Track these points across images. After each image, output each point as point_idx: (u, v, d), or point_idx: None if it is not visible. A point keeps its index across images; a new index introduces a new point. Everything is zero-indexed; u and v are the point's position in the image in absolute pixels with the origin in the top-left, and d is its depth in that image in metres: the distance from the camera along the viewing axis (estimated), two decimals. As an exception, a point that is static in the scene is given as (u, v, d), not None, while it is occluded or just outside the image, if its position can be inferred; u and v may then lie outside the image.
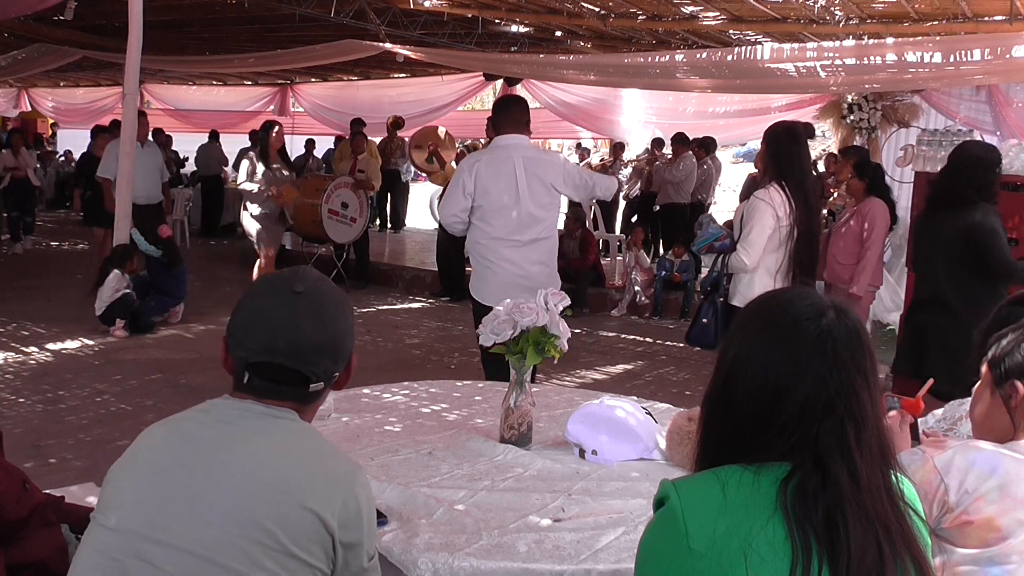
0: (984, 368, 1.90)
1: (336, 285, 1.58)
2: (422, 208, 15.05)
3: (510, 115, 4.41)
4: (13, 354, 6.44)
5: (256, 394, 1.47)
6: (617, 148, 13.52)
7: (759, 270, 4.10)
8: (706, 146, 11.35)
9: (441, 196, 6.71)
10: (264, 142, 8.10)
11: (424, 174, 10.48)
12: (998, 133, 9.97)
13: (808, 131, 4.23)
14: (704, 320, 4.49)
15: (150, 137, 8.91)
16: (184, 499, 1.37)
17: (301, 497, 1.38)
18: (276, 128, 8.16)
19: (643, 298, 9.17)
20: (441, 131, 10.94)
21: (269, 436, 1.43)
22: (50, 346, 6.72)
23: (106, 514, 1.39)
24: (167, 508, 1.37)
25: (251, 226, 8.02)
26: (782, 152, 4.08)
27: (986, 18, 8.09)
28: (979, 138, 8.81)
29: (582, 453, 2.38)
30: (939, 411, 2.55)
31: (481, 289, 4.31)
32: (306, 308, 1.46)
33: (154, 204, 8.43)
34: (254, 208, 7.92)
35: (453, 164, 9.61)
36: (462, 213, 4.27)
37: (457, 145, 12.10)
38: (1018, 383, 1.81)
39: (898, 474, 1.30)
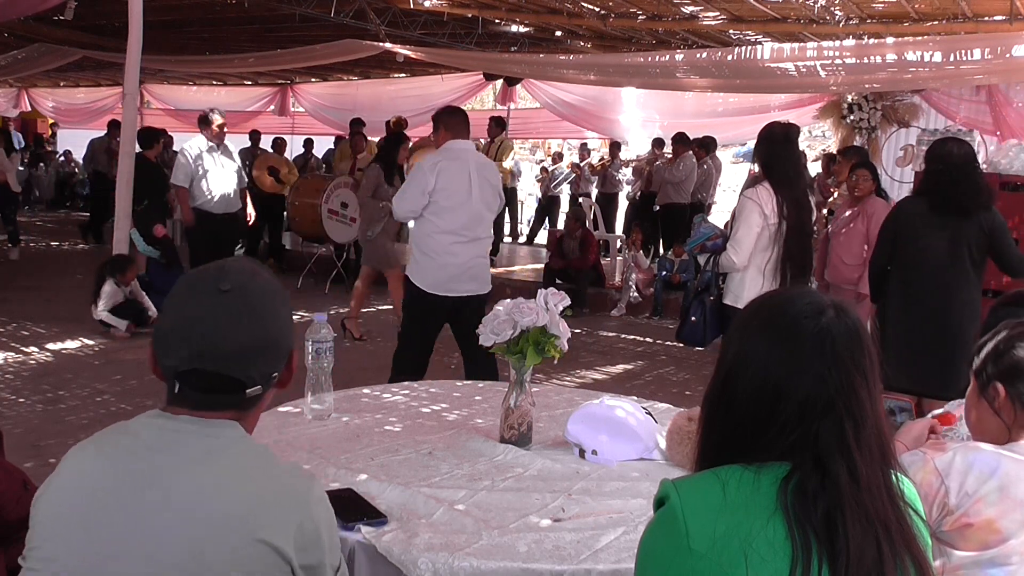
0: (971, 374, 1.91)
1: (270, 277, 1.42)
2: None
3: (461, 122, 4.77)
4: (13, 354, 6.44)
5: (190, 406, 1.34)
6: (614, 147, 13.51)
7: (750, 269, 4.15)
8: (706, 146, 11.35)
9: None
10: (392, 156, 7.39)
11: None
12: (998, 133, 9.97)
13: (790, 132, 4.28)
14: (693, 318, 4.56)
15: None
16: (123, 547, 1.25)
17: (251, 528, 1.26)
18: (406, 143, 7.62)
19: (637, 296, 9.17)
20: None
21: (209, 462, 1.30)
22: (50, 346, 6.72)
23: (37, 569, 1.28)
24: (105, 561, 1.25)
25: (376, 247, 7.32)
26: (771, 152, 4.16)
27: (986, 18, 8.09)
28: (978, 139, 8.82)
29: (582, 453, 2.38)
30: (939, 411, 2.55)
31: (421, 276, 4.74)
32: (234, 307, 1.32)
33: (231, 213, 7.57)
34: (375, 228, 7.17)
35: None
36: (419, 208, 4.62)
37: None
38: (999, 385, 1.82)
39: (898, 474, 1.30)
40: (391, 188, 6.87)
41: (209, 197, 7.34)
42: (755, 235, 4.08)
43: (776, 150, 4.16)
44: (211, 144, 7.48)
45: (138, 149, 7.44)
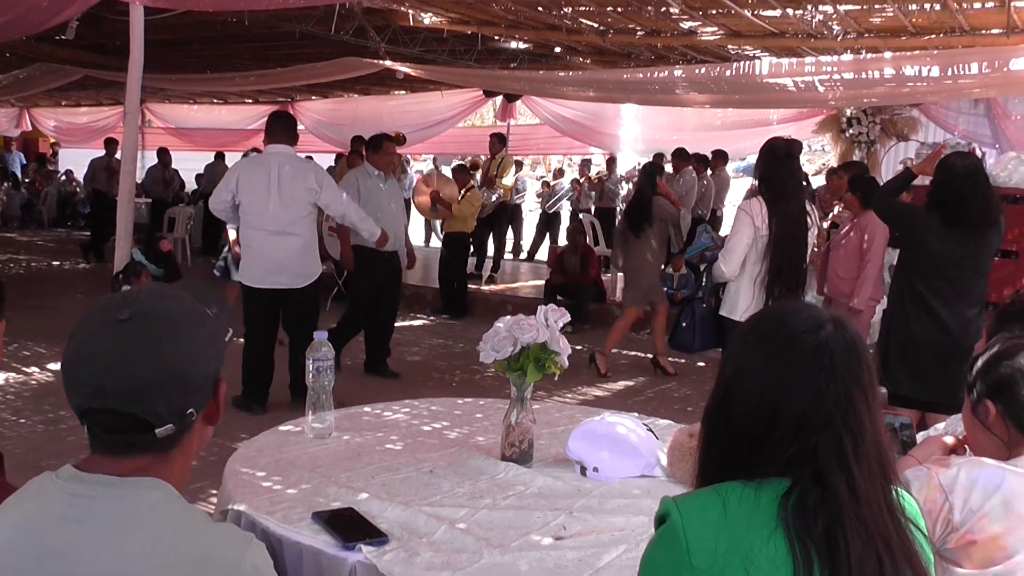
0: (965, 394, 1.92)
1: (184, 301, 1.27)
2: (421, 225, 15.08)
3: (278, 128, 5.52)
4: (14, 374, 6.43)
5: (105, 451, 1.22)
6: (611, 162, 13.55)
7: (743, 280, 4.22)
8: (705, 161, 11.38)
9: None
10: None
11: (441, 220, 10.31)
12: (997, 146, 10.00)
13: (792, 148, 4.33)
14: (684, 324, 4.64)
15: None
16: None
17: None
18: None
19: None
20: (428, 170, 10.82)
21: (124, 534, 1.16)
22: (51, 366, 6.72)
23: None
24: None
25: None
26: (771, 167, 4.24)
27: (983, 31, 8.13)
28: (978, 152, 8.84)
29: (583, 470, 2.37)
30: (940, 425, 2.55)
31: (244, 271, 5.45)
32: (134, 337, 1.18)
33: (395, 252, 6.67)
34: None
35: (459, 196, 9.64)
36: (224, 204, 5.46)
37: (454, 161, 12.11)
38: (989, 403, 1.83)
39: (899, 490, 1.29)
40: None
41: (390, 230, 6.39)
42: (745, 246, 4.17)
43: (776, 165, 4.21)
44: (379, 173, 6.65)
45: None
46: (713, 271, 4.37)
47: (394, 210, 6.68)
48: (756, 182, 4.53)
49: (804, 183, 4.85)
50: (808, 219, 4.37)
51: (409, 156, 15.70)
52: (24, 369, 6.60)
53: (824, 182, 10.11)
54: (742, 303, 4.22)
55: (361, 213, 5.85)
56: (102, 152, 13.40)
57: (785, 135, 5.04)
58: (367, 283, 6.54)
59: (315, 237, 5.68)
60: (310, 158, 14.50)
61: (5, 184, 18.65)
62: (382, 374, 6.67)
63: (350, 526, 1.90)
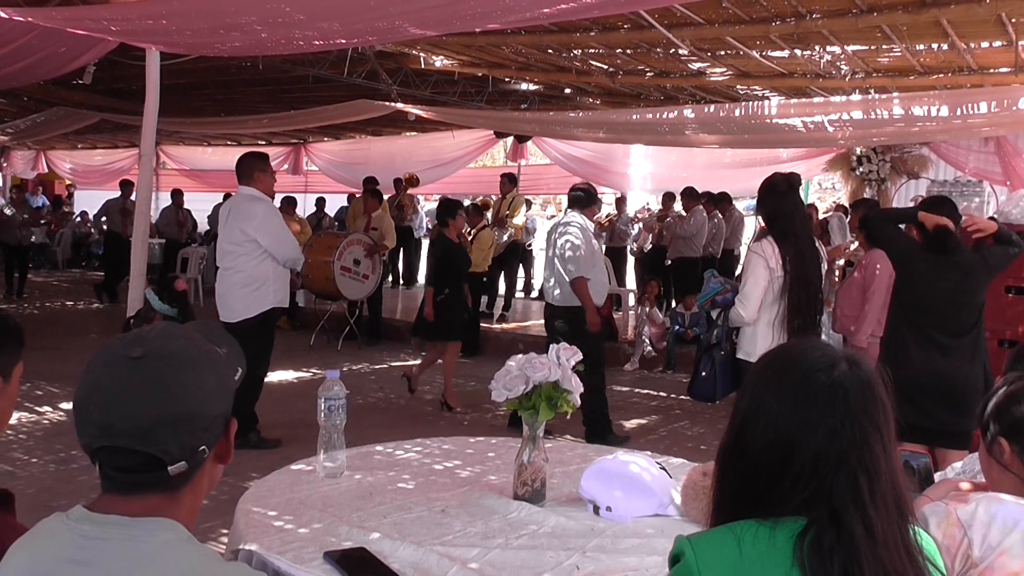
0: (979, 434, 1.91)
1: (195, 341, 1.29)
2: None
3: (243, 170, 5.73)
4: (27, 414, 6.45)
5: (116, 490, 1.22)
6: (620, 202, 13.60)
7: (760, 323, 4.14)
8: (716, 200, 11.41)
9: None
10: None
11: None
12: (1008, 183, 9.99)
13: (792, 181, 4.30)
14: (703, 373, 4.55)
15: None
16: None
17: None
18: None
19: (651, 350, 9.13)
20: None
21: (139, 574, 1.16)
22: (63, 405, 6.73)
23: None
24: None
25: None
26: (775, 204, 4.19)
27: (991, 70, 8.17)
28: (988, 189, 8.84)
29: (596, 509, 2.35)
30: (958, 464, 2.52)
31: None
32: (145, 375, 1.19)
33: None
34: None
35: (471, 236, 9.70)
36: None
37: (465, 201, 12.14)
38: (1003, 441, 1.82)
39: (917, 528, 1.28)
40: None
41: (599, 290, 6.20)
42: (762, 288, 4.10)
43: (779, 201, 4.18)
44: (592, 223, 6.43)
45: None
46: (731, 316, 4.26)
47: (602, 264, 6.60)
48: (761, 222, 4.49)
49: (809, 215, 4.81)
50: (818, 251, 4.37)
51: (420, 196, 15.79)
52: (36, 409, 6.61)
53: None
54: (760, 345, 4.14)
55: (291, 254, 5.85)
56: (117, 194, 13.55)
57: (797, 172, 5.03)
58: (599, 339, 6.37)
59: (261, 276, 5.64)
60: (322, 199, 14.73)
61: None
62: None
63: (362, 566, 1.89)
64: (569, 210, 6.29)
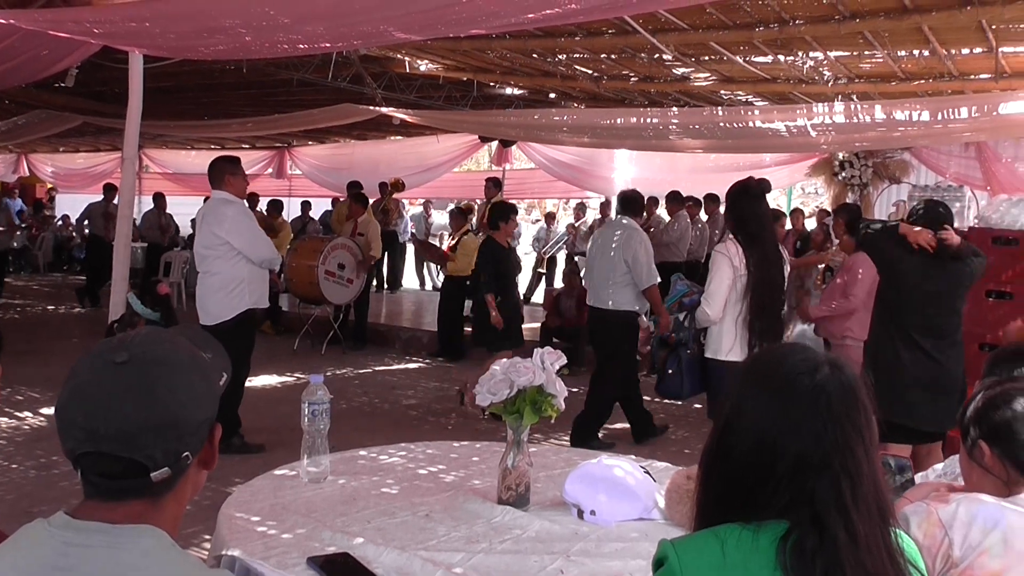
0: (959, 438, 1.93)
1: (180, 345, 1.27)
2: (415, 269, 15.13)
3: (212, 174, 5.79)
4: (7, 419, 6.39)
5: (99, 496, 1.20)
6: (605, 207, 13.63)
7: (726, 321, 4.35)
8: (705, 200, 11.46)
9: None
10: None
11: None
12: (988, 188, 10.08)
13: (764, 186, 4.47)
14: (670, 371, 4.70)
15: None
16: None
17: None
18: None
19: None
20: None
21: None
22: (44, 411, 6.68)
23: None
24: None
25: None
26: (746, 207, 4.36)
27: (972, 76, 8.24)
28: (968, 194, 8.92)
29: (580, 513, 2.36)
30: (939, 466, 2.54)
31: None
32: (130, 380, 1.18)
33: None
34: None
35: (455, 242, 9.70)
36: None
37: (450, 205, 12.18)
38: (983, 444, 1.84)
39: (897, 530, 1.29)
40: None
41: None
42: (727, 287, 4.28)
43: (752, 204, 4.38)
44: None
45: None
46: (697, 316, 4.47)
47: None
48: (728, 222, 4.59)
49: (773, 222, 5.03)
50: (782, 255, 4.55)
51: (405, 200, 15.78)
52: (17, 414, 6.56)
53: (816, 224, 10.19)
54: (726, 343, 4.35)
55: (265, 255, 5.86)
56: (99, 197, 13.46)
57: (777, 177, 5.16)
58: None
59: (237, 277, 5.67)
60: (307, 203, 14.68)
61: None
62: None
63: (345, 571, 1.89)
64: (621, 215, 6.39)
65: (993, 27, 6.59)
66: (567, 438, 6.13)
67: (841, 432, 1.24)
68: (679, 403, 6.91)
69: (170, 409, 1.19)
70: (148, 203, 14.66)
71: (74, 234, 18.05)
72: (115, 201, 11.60)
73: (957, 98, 7.69)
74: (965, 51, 7.54)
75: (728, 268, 4.28)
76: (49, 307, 12.99)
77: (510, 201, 9.85)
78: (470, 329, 7.87)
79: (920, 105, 7.45)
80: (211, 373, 1.29)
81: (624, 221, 6.30)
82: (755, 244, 4.29)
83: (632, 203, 6.40)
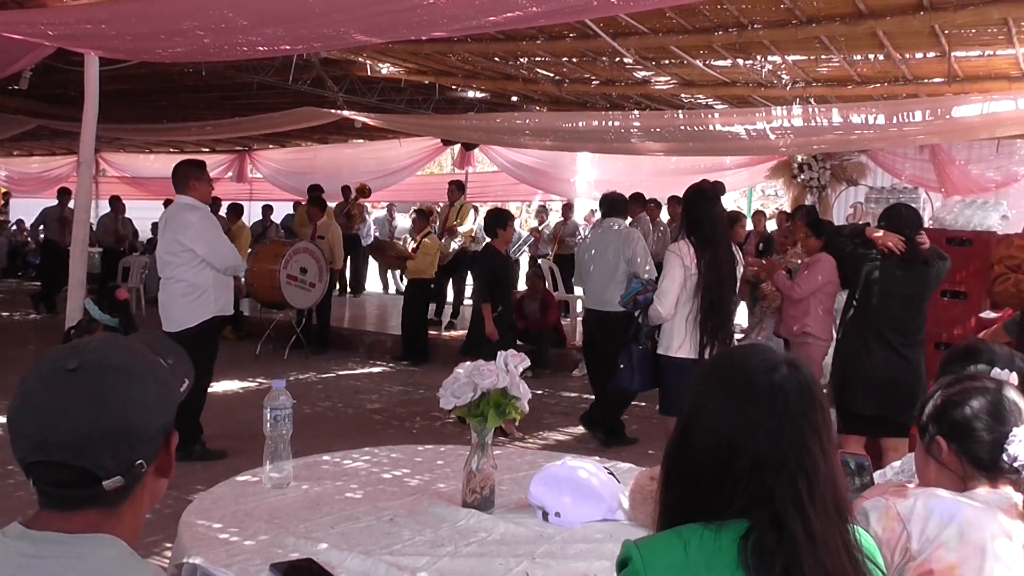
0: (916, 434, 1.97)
1: (136, 352, 1.24)
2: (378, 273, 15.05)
3: (178, 179, 5.64)
4: (-40, 428, 6.24)
5: (53, 505, 1.18)
6: (567, 209, 13.68)
7: (677, 319, 4.46)
8: (660, 206, 11.54)
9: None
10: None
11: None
12: (942, 190, 10.28)
13: (718, 189, 4.65)
14: (621, 366, 4.80)
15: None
16: None
17: None
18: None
19: None
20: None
21: None
22: (0, 420, 6.54)
23: None
24: None
25: None
26: (699, 208, 4.49)
27: (925, 80, 8.40)
28: (923, 196, 9.10)
29: (545, 515, 2.36)
30: (897, 463, 2.58)
31: None
32: (81, 387, 1.15)
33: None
34: None
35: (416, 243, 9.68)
36: None
37: (412, 209, 12.15)
38: (941, 440, 1.87)
39: (856, 527, 1.31)
40: None
41: None
42: (678, 285, 4.40)
43: (707, 206, 4.53)
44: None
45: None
46: (649, 314, 4.58)
47: None
48: (683, 224, 4.68)
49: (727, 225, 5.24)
50: (735, 256, 4.66)
51: (368, 204, 15.70)
52: (-29, 424, 6.41)
53: (776, 226, 10.31)
54: (676, 340, 4.47)
55: (229, 262, 5.77)
56: (54, 202, 13.23)
57: (737, 179, 5.28)
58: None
59: (201, 284, 5.57)
60: (269, 207, 14.55)
61: None
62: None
63: (309, 578, 1.87)
64: (612, 217, 6.53)
65: (946, 32, 6.72)
66: (531, 440, 6.14)
67: (798, 431, 1.26)
68: (643, 404, 6.94)
69: (122, 417, 1.16)
70: (105, 207, 14.44)
71: (29, 239, 17.71)
72: (70, 205, 11.40)
73: (911, 101, 7.84)
74: (919, 55, 7.68)
75: (679, 267, 4.39)
76: (3, 313, 12.73)
77: (505, 207, 9.81)
78: (460, 339, 7.77)
79: (876, 108, 7.58)
80: (170, 380, 1.26)
81: (615, 226, 6.46)
82: (708, 245, 4.40)
83: (617, 204, 6.61)
